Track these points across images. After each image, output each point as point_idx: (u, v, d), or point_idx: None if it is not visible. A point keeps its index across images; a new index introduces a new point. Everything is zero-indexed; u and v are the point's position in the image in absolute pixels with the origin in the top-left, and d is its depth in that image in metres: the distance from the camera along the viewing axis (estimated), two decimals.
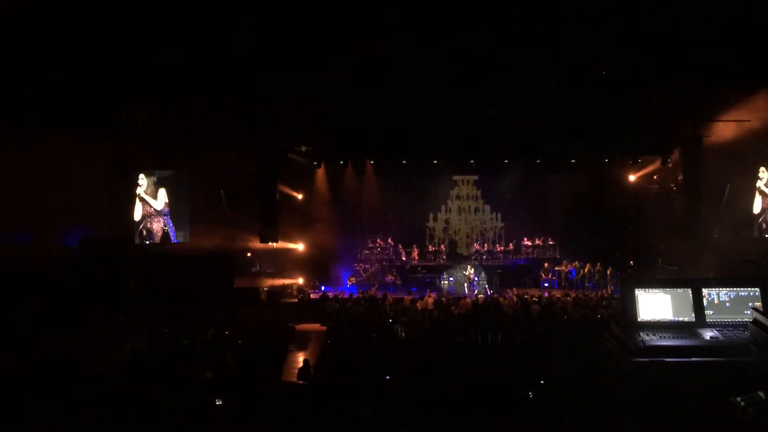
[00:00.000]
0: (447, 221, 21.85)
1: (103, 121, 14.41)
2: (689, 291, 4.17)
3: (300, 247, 19.15)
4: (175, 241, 16.78)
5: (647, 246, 19.10)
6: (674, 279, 7.02)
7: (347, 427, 5.55)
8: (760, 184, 16.17)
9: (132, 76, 13.35)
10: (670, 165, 18.17)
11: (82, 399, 6.09)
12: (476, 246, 20.93)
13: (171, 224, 16.71)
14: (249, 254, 18.65)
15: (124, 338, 11.04)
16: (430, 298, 15.32)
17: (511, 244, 20.95)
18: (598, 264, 18.70)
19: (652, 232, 18.82)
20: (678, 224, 17.23)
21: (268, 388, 7.94)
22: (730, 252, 15.23)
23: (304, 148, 18.58)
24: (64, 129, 13.17)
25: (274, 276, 18.51)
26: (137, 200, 15.93)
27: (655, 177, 19.07)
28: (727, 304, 4.12)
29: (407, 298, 15.47)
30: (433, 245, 21.21)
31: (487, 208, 21.80)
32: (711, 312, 4.12)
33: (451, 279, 18.81)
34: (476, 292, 17.77)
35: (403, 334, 11.71)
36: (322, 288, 18.72)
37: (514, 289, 17.43)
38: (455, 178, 21.72)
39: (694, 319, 4.11)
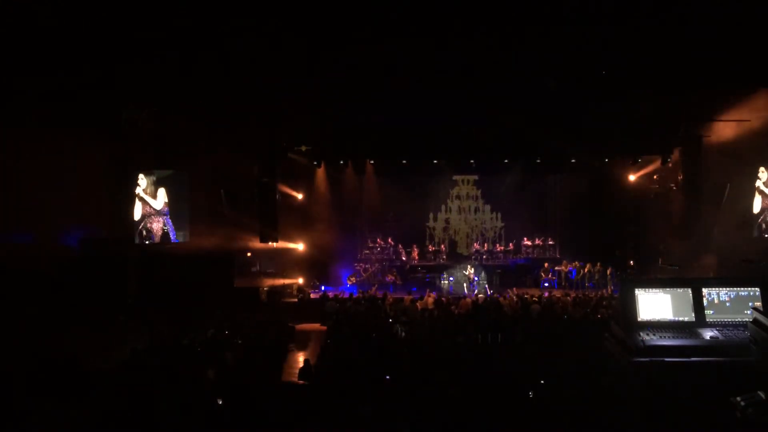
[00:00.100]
0: (447, 221, 21.86)
1: (103, 121, 14.38)
2: (689, 291, 4.18)
3: (300, 247, 19.16)
4: (175, 240, 16.78)
5: (647, 246, 19.10)
6: (674, 279, 7.02)
7: (347, 426, 5.54)
8: (759, 183, 16.16)
9: (132, 76, 13.35)
10: (670, 165, 18.16)
11: (82, 399, 6.09)
12: (476, 246, 20.95)
13: (171, 224, 16.71)
14: (249, 254, 18.65)
15: (124, 338, 11.04)
16: (430, 298, 15.33)
17: (511, 244, 20.97)
18: (598, 264, 18.73)
19: (652, 232, 18.83)
20: (678, 224, 17.22)
21: (268, 387, 7.94)
22: (730, 252, 15.22)
23: (304, 148, 18.58)
24: (64, 129, 13.16)
25: (274, 276, 18.52)
26: (136, 200, 15.94)
27: (655, 177, 19.07)
28: (727, 304, 4.13)
29: (407, 298, 15.47)
30: (433, 245, 21.22)
31: (487, 208, 21.82)
32: (711, 312, 4.13)
33: (451, 279, 18.82)
34: (476, 291, 17.78)
35: (403, 334, 11.71)
36: (322, 288, 18.73)
37: (514, 288, 17.43)
38: (455, 177, 21.74)
39: (694, 319, 4.11)
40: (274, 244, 17.82)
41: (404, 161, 19.45)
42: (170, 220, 16.73)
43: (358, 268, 19.91)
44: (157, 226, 16.49)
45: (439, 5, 11.41)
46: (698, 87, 14.41)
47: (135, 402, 6.15)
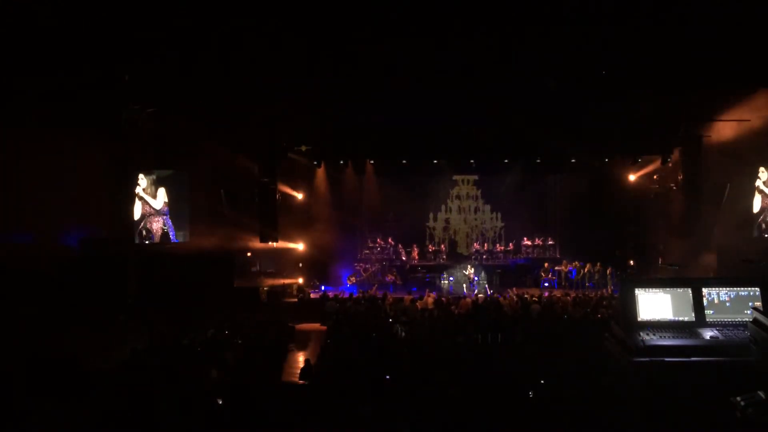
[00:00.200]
0: (447, 221, 21.87)
1: (103, 121, 14.39)
2: (689, 291, 4.18)
3: (300, 246, 19.16)
4: (175, 240, 16.79)
5: (647, 246, 19.11)
6: (674, 279, 7.02)
7: (347, 427, 5.54)
8: (759, 183, 16.17)
9: (132, 76, 13.35)
10: (670, 164, 18.16)
11: (82, 399, 6.09)
12: (476, 246, 20.95)
13: (170, 224, 16.72)
14: (249, 254, 18.65)
15: (124, 338, 11.03)
16: (430, 298, 15.32)
17: (511, 244, 20.98)
18: (598, 264, 18.73)
19: (652, 232, 18.84)
20: (678, 224, 17.22)
21: (268, 387, 7.94)
22: (730, 252, 15.23)
23: (304, 148, 18.58)
24: (64, 129, 13.17)
25: (274, 276, 18.53)
26: (136, 200, 15.94)
27: (655, 177, 19.07)
28: (727, 304, 4.13)
29: (407, 297, 15.48)
30: (433, 245, 21.23)
31: (487, 207, 21.83)
32: (711, 312, 4.12)
33: (451, 279, 18.82)
34: (476, 291, 17.78)
35: (403, 334, 11.71)
36: (322, 288, 18.72)
37: (514, 288, 17.44)
38: (455, 177, 21.75)
39: (694, 319, 4.11)
40: (274, 244, 17.83)
41: (404, 161, 19.46)
42: (170, 220, 16.74)
43: (358, 268, 19.91)
44: (157, 226, 16.50)
45: (439, 5, 11.41)
46: (698, 87, 14.40)
47: (135, 402, 6.15)
